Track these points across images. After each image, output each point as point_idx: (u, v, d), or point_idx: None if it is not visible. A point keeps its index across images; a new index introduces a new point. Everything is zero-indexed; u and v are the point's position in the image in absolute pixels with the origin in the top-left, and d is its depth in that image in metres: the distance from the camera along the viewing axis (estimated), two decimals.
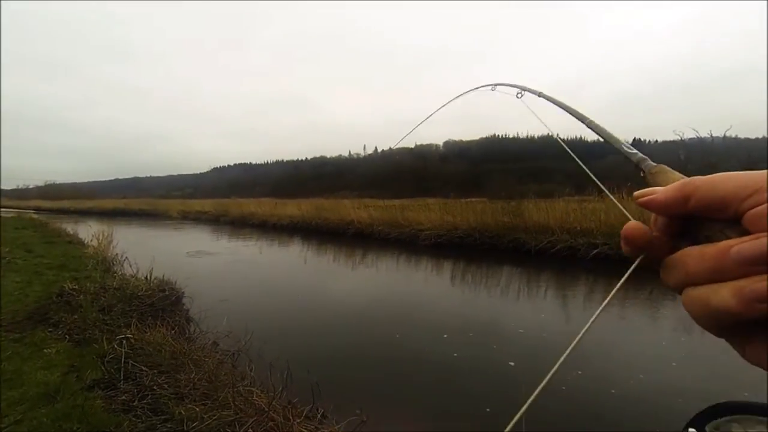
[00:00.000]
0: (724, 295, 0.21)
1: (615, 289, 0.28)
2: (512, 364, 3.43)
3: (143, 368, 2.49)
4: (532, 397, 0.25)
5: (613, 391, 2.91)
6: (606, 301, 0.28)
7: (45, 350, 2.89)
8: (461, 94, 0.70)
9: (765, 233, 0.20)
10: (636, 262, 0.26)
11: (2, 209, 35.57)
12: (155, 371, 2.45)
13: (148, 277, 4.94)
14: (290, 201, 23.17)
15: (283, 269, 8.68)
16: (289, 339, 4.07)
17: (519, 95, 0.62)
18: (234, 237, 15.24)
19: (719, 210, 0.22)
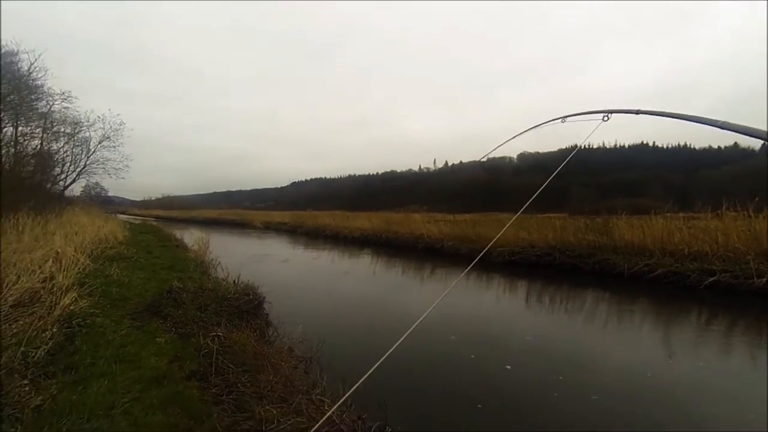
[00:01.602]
0: None
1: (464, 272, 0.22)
2: (596, 401, 3.00)
3: (230, 365, 2.74)
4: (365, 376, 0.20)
5: None
6: (453, 284, 0.21)
7: (157, 339, 3.37)
8: (567, 116, 0.64)
9: None
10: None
11: (131, 216, 43.24)
12: (240, 369, 2.68)
13: (236, 281, 5.48)
14: (361, 214, 23.99)
15: (355, 281, 8.95)
16: (358, 351, 4.14)
17: (606, 118, 0.56)
18: (309, 247, 16.26)
19: None
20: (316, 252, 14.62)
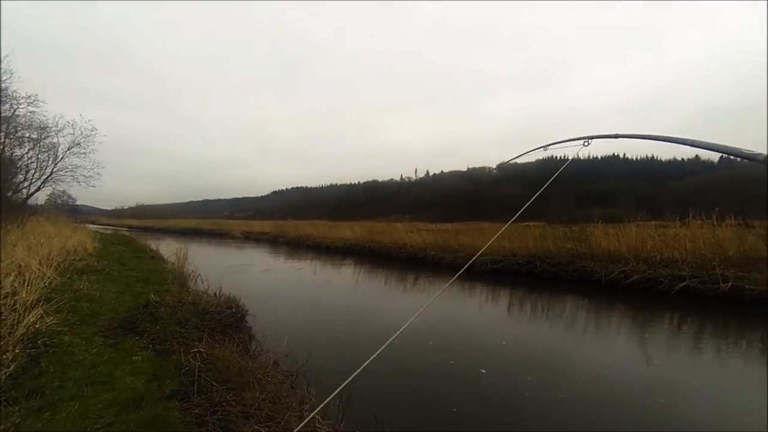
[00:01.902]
0: None
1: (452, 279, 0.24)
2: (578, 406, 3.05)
3: (214, 383, 2.62)
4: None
5: None
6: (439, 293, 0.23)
7: (133, 357, 3.19)
8: (550, 144, 0.66)
9: None
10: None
11: (101, 226, 41.28)
12: (224, 387, 2.57)
13: (217, 294, 5.30)
14: (343, 223, 23.86)
15: (339, 291, 8.83)
16: (345, 363, 4.06)
17: (586, 144, 0.59)
18: (291, 257, 15.98)
19: None
20: (299, 262, 14.38)
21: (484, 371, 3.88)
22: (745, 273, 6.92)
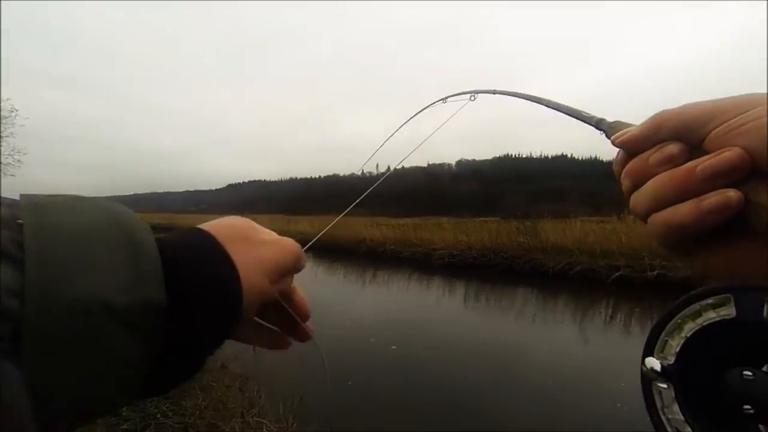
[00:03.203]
0: (683, 211, 0.23)
1: None
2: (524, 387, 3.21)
3: None
4: None
5: None
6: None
7: None
8: (437, 101, 0.63)
9: (725, 149, 0.22)
10: None
11: None
12: (160, 396, 2.36)
13: None
14: (303, 218, 23.34)
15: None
16: (300, 361, 3.94)
17: (472, 98, 0.57)
18: None
19: (687, 135, 0.24)
20: None
21: (441, 363, 3.95)
22: (668, 262, 7.70)
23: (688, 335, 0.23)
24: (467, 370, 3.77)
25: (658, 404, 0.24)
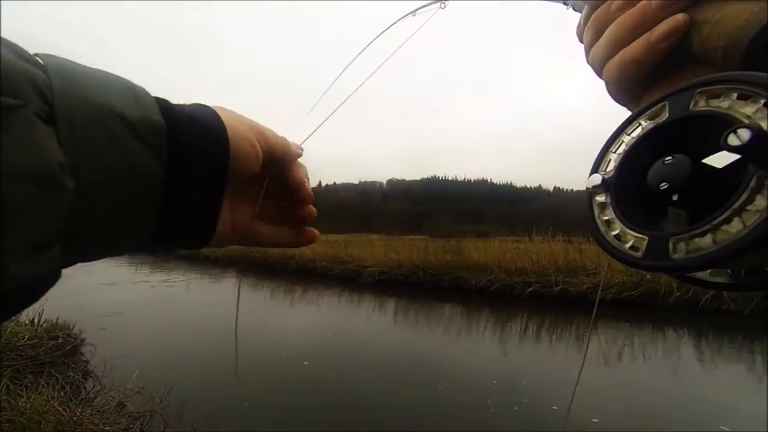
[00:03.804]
0: (635, 47, 0.24)
1: None
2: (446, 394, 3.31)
3: None
4: None
5: None
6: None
7: None
8: (415, 11, 0.60)
9: None
10: None
11: None
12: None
13: (36, 320, 4.03)
14: None
15: (213, 308, 7.79)
16: (216, 391, 3.52)
17: (442, 6, 0.57)
18: (157, 269, 13.55)
19: None
20: (165, 275, 12.29)
21: (370, 380, 3.87)
22: (569, 278, 8.80)
23: (627, 148, 0.25)
24: (395, 384, 3.75)
25: (596, 213, 0.25)
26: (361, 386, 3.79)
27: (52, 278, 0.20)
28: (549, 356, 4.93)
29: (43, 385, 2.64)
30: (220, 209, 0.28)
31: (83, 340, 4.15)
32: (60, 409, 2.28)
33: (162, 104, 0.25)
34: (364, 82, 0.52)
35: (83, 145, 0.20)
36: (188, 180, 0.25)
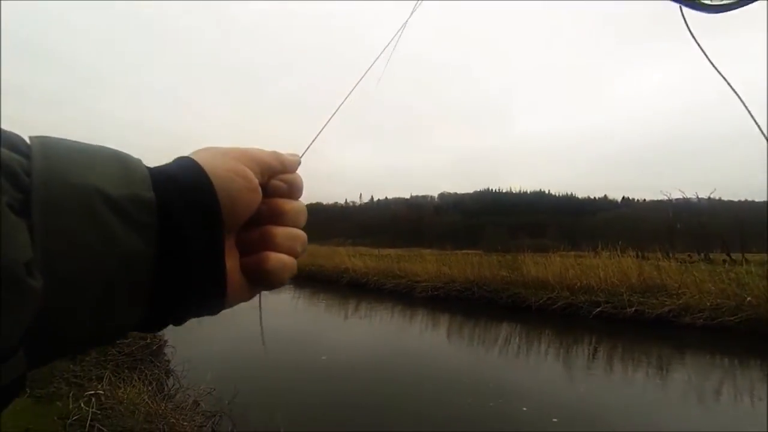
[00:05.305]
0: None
1: None
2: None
3: None
4: None
5: None
6: None
7: None
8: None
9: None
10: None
11: None
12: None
13: None
14: None
15: (273, 317, 8.26)
16: (277, 398, 3.71)
17: None
18: None
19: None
20: None
21: (427, 397, 3.81)
22: (645, 299, 7.89)
23: None
24: (449, 406, 3.64)
25: None
26: (416, 404, 3.74)
27: (14, 391, 0.18)
28: (624, 387, 4.43)
29: (135, 380, 3.02)
30: (225, 275, 0.26)
31: (166, 341, 4.64)
32: (149, 402, 2.59)
33: (156, 176, 0.24)
34: (353, 89, 0.53)
35: (59, 232, 0.19)
36: (183, 252, 0.23)
